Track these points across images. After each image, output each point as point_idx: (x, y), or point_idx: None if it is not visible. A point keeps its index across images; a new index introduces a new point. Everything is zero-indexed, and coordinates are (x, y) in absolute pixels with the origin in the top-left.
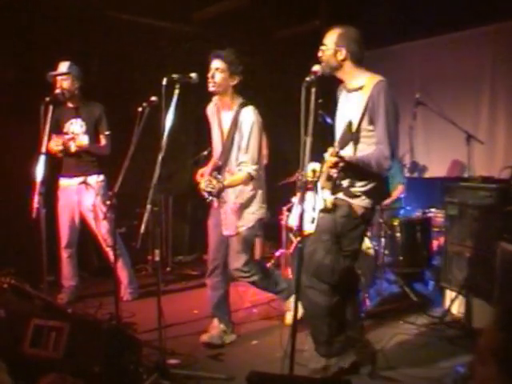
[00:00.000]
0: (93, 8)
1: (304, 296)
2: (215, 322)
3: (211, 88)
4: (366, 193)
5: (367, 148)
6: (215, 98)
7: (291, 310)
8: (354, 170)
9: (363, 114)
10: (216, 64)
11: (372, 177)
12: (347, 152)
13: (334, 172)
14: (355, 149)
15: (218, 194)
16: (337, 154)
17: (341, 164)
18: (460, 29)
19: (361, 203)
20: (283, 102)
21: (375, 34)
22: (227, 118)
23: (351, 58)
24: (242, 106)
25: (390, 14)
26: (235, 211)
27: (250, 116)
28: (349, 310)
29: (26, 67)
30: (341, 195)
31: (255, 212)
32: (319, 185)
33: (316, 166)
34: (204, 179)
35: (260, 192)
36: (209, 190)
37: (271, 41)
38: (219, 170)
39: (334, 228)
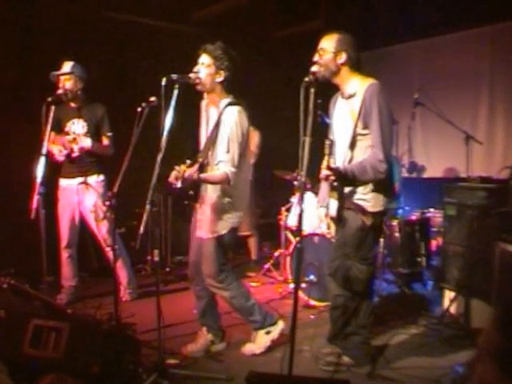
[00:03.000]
0: (92, 8)
1: (334, 301)
2: (203, 330)
3: (196, 86)
4: (372, 197)
5: (364, 152)
6: (205, 94)
7: (256, 343)
8: (348, 179)
9: (357, 119)
10: (202, 59)
11: (372, 181)
12: (345, 157)
13: (330, 183)
14: (351, 154)
15: (186, 182)
16: (327, 167)
17: (332, 177)
18: (459, 29)
19: (371, 209)
20: (282, 102)
21: (375, 34)
22: (213, 115)
23: (349, 62)
24: (228, 105)
25: (390, 15)
26: (211, 214)
27: (232, 116)
28: (364, 310)
29: (26, 68)
30: (351, 205)
31: (229, 219)
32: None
33: None
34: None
35: (237, 199)
36: (174, 175)
37: (271, 41)
38: (201, 167)
39: (352, 241)
